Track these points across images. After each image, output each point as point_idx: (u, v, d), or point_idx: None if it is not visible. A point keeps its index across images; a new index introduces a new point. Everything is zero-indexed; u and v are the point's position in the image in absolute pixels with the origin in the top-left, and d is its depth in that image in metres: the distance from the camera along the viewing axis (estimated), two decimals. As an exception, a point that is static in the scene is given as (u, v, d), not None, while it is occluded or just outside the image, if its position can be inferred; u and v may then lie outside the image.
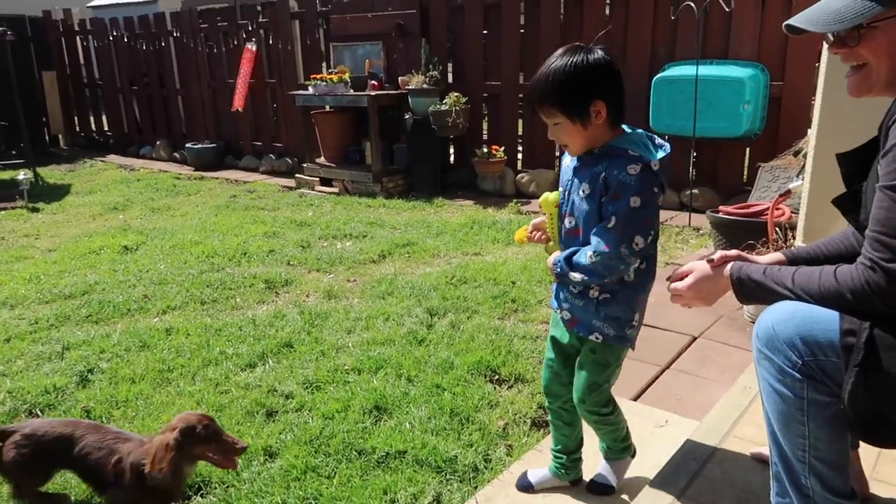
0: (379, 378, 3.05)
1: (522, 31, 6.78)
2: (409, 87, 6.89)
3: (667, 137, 5.77)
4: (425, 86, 6.79)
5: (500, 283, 4.19)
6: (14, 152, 8.90)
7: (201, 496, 2.36)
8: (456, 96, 6.69)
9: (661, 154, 1.75)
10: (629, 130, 1.83)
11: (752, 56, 5.55)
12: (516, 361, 3.16)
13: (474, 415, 2.74)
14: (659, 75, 5.64)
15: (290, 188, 7.63)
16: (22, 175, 7.31)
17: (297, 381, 3.07)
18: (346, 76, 7.13)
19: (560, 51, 1.76)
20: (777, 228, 3.50)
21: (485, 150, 6.89)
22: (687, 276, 1.71)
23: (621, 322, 1.91)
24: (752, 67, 5.44)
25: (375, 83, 7.14)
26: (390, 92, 7.12)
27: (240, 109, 8.58)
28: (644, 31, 6.01)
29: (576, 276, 1.83)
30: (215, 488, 2.39)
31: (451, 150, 7.50)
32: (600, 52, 1.74)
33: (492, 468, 2.42)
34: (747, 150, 5.85)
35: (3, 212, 6.87)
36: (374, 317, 3.75)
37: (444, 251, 4.97)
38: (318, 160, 7.60)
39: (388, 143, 7.32)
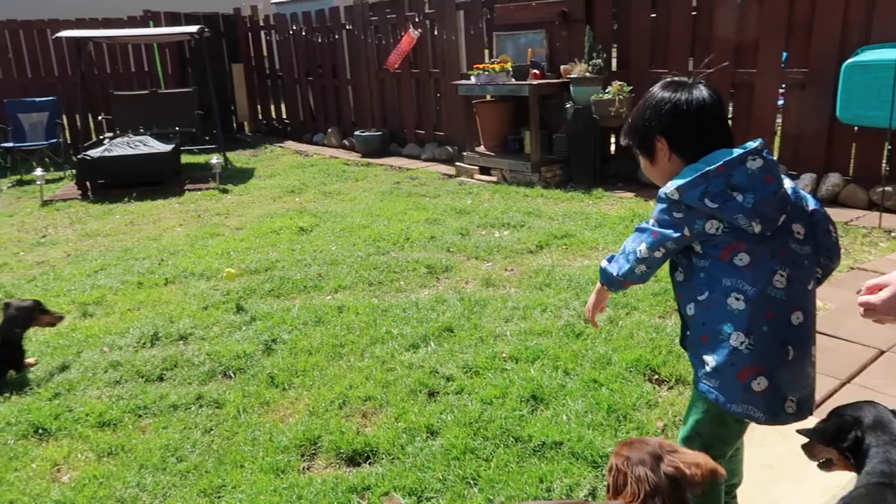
0: (536, 368, 3.10)
1: (694, 13, 6.46)
2: (571, 76, 6.82)
3: (855, 129, 5.36)
4: (588, 74, 6.69)
5: (660, 279, 4.07)
6: (207, 138, 9.90)
7: (369, 464, 2.56)
8: (619, 85, 6.53)
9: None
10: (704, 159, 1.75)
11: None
12: (677, 362, 3.08)
13: (632, 413, 2.72)
14: (850, 60, 5.14)
15: (450, 176, 7.86)
16: (215, 159, 8.14)
17: (458, 364, 3.20)
18: (508, 65, 7.20)
19: (660, 84, 1.82)
20: None
21: (648, 140, 6.65)
22: (882, 288, 1.59)
23: (698, 362, 1.78)
24: (968, 50, 4.82)
25: (537, 72, 7.14)
26: (552, 81, 7.09)
27: (390, 69, 9.07)
28: (835, 10, 5.49)
29: (603, 263, 1.90)
30: (382, 458, 2.57)
31: (612, 140, 7.34)
32: (698, 90, 1.74)
33: (650, 468, 2.40)
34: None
35: (199, 192, 7.69)
36: (531, 307, 3.80)
37: (603, 244, 4.90)
38: (477, 149, 7.76)
39: (548, 132, 7.30)
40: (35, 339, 3.79)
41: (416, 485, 2.38)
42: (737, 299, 1.66)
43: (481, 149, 7.75)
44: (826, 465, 1.80)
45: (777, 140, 6.20)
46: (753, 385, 1.66)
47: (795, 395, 1.69)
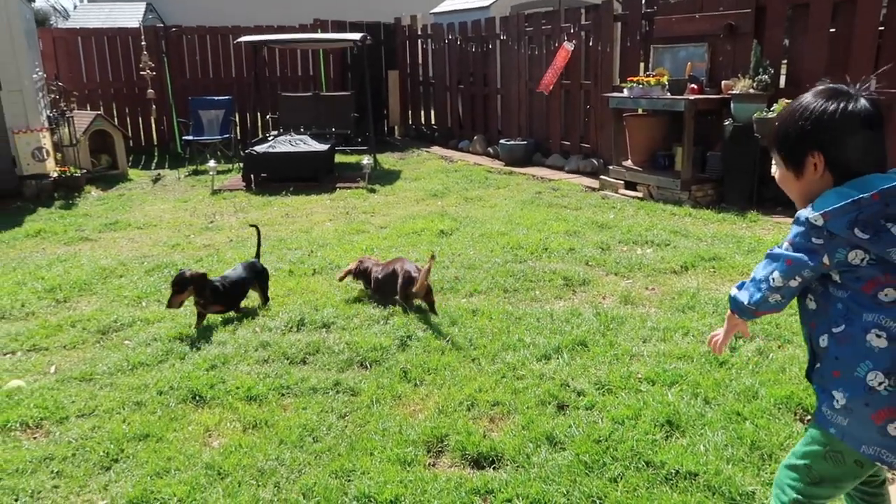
0: (673, 393, 2.96)
1: (882, 28, 5.90)
2: (733, 92, 6.46)
3: None
4: (752, 90, 6.31)
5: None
6: (360, 140, 10.41)
7: (493, 469, 2.56)
8: (787, 103, 6.08)
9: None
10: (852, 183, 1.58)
11: None
12: (835, 404, 2.81)
13: (778, 452, 2.52)
14: None
15: (593, 189, 7.71)
16: (366, 160, 8.54)
17: (590, 380, 3.13)
18: (664, 79, 6.95)
19: (818, 90, 1.64)
20: None
21: (815, 163, 6.16)
22: None
23: (825, 396, 1.65)
24: None
25: (695, 87, 6.84)
26: (711, 96, 6.76)
27: (545, 92, 9.00)
28: None
29: (733, 291, 1.78)
30: (506, 465, 2.56)
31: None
32: (861, 103, 1.57)
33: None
34: None
35: (349, 190, 8.10)
36: (672, 329, 3.64)
37: (755, 270, 4.59)
38: (624, 163, 7.55)
39: (702, 149, 6.96)
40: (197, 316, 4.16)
41: (539, 495, 2.35)
42: (878, 336, 1.54)
43: (628, 163, 7.54)
44: None
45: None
46: (890, 429, 1.54)
47: None
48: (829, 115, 1.58)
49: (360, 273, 4.41)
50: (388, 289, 4.21)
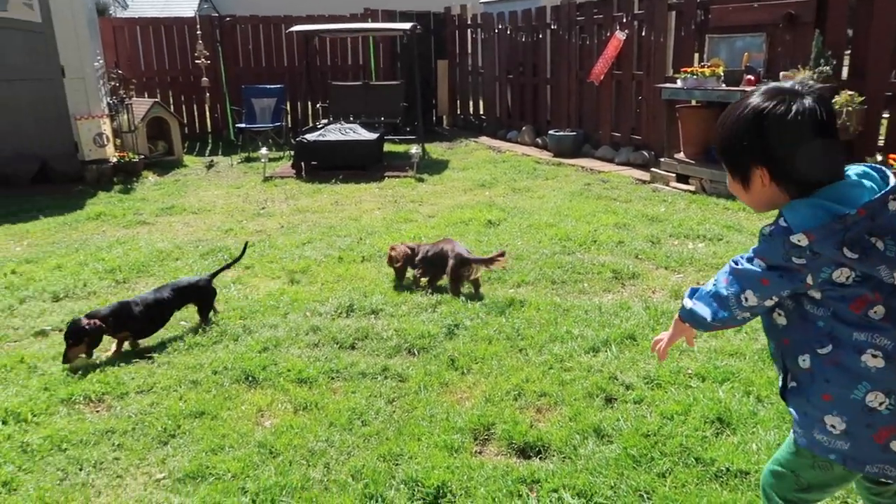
0: (724, 390, 2.92)
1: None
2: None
3: None
4: (812, 82, 6.10)
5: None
6: (408, 129, 10.46)
7: (540, 459, 2.56)
8: (849, 95, 5.88)
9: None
10: (824, 193, 1.45)
11: None
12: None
13: (834, 454, 2.46)
14: None
15: (644, 182, 7.59)
16: (414, 149, 8.58)
17: (639, 374, 3.10)
18: (720, 70, 6.78)
19: (759, 91, 1.50)
20: None
21: (878, 158, 5.94)
22: None
23: (809, 420, 1.57)
24: None
25: (752, 78, 6.65)
26: (768, 88, 6.56)
27: (595, 82, 8.91)
28: None
29: (687, 302, 1.66)
30: (553, 455, 2.57)
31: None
32: (807, 102, 1.43)
33: (851, 518, 2.16)
34: None
35: (397, 179, 8.15)
36: (723, 325, 3.57)
37: (812, 267, 4.46)
38: (676, 156, 7.41)
39: (758, 142, 6.77)
40: (251, 298, 4.26)
41: (585, 487, 2.35)
42: (874, 356, 1.46)
43: (680, 156, 7.39)
44: None
45: None
46: (893, 445, 1.48)
47: None
48: (770, 122, 1.45)
49: (410, 258, 4.44)
50: (436, 268, 4.26)
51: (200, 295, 3.87)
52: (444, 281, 4.29)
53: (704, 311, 1.62)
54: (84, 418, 2.93)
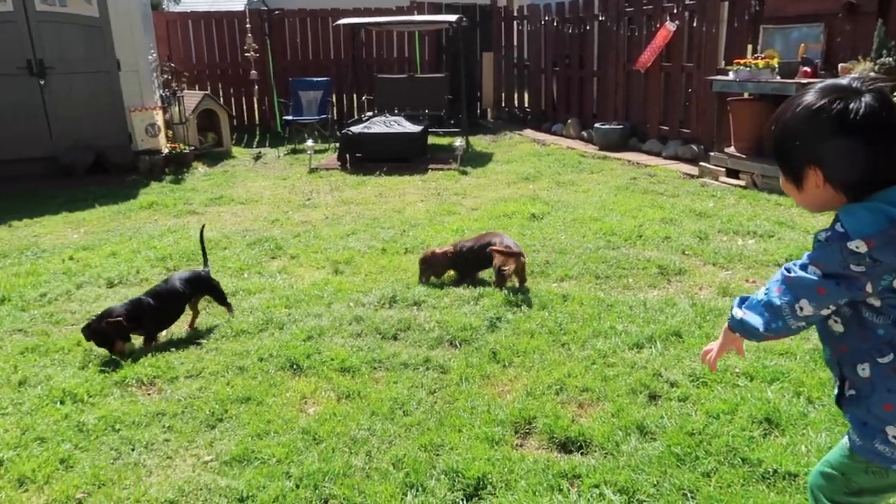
0: (773, 390, 2.84)
1: None
2: (852, 75, 6.04)
3: None
4: (873, 74, 5.88)
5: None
6: (453, 122, 10.46)
7: (581, 454, 2.55)
8: (912, 87, 5.65)
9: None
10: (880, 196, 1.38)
11: None
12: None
13: (888, 459, 2.38)
14: None
15: (692, 176, 7.44)
16: (458, 142, 8.58)
17: (684, 371, 3.05)
18: (774, 62, 6.58)
19: (815, 88, 1.43)
20: None
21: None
22: None
23: (870, 430, 1.50)
24: None
25: (808, 70, 6.44)
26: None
27: (641, 70, 8.79)
28: None
29: (738, 312, 1.57)
30: (594, 451, 2.54)
31: None
32: (866, 101, 1.35)
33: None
34: None
35: (440, 171, 8.16)
36: (773, 324, 3.48)
37: (869, 266, 4.31)
38: (726, 150, 7.23)
39: (813, 136, 6.56)
40: (296, 288, 4.33)
41: (627, 484, 2.32)
42: None
43: (731, 150, 7.21)
44: None
45: None
46: None
47: None
48: (826, 122, 1.38)
49: (454, 257, 4.38)
50: (481, 261, 4.25)
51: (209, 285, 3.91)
52: (486, 273, 4.29)
53: (756, 322, 1.54)
54: (136, 400, 3.02)
